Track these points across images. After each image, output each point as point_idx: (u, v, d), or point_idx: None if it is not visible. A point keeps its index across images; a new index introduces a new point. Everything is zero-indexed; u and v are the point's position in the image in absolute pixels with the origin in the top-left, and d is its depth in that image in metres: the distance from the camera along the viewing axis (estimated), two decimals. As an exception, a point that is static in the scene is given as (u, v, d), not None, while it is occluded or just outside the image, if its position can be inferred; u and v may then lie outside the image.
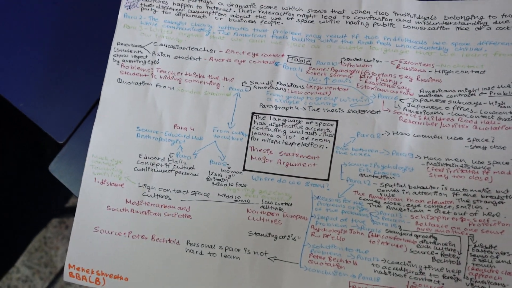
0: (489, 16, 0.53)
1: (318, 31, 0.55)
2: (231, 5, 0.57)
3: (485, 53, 0.53)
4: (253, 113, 0.54)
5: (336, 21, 0.56)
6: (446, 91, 0.52)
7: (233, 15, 0.57)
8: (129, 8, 0.58)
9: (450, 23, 0.54)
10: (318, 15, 0.56)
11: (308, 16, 0.56)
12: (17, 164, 0.83)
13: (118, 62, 0.56)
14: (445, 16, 0.54)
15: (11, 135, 0.84)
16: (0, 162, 0.80)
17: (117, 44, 0.57)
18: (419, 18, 0.54)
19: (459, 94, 0.52)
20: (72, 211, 0.51)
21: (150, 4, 0.58)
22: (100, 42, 0.59)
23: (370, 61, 0.54)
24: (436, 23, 0.54)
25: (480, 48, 0.53)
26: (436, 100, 0.52)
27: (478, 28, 0.53)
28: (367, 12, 0.55)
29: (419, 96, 0.52)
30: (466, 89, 0.52)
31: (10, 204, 0.82)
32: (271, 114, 0.54)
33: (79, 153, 0.56)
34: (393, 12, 0.55)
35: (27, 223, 0.90)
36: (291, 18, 0.56)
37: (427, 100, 0.52)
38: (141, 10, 0.58)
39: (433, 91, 0.52)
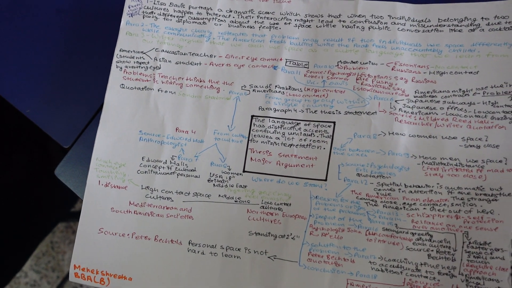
0: (482, 18, 0.54)
1: (315, 35, 0.57)
2: (230, 11, 0.59)
3: (478, 54, 0.54)
4: (252, 116, 0.56)
5: (333, 25, 0.57)
6: (440, 91, 0.53)
7: (232, 21, 0.59)
8: (131, 16, 0.60)
9: (444, 26, 0.55)
10: (315, 20, 0.58)
11: (305, 21, 0.58)
12: (24, 169, 0.85)
13: (121, 68, 0.58)
14: (439, 19, 0.55)
15: (18, 141, 0.86)
16: (8, 168, 0.82)
17: (120, 50, 0.58)
18: (413, 21, 0.56)
19: (453, 95, 0.53)
20: (78, 216, 0.53)
21: (152, 12, 0.60)
22: (104, 49, 0.60)
23: (366, 63, 0.55)
24: (430, 26, 0.55)
25: (473, 49, 0.54)
26: (431, 100, 0.53)
27: (471, 30, 0.54)
28: (362, 16, 0.57)
29: (414, 97, 0.54)
30: (460, 89, 0.53)
31: (17, 209, 0.84)
32: (270, 117, 0.55)
33: (84, 157, 0.58)
34: (388, 15, 0.56)
35: (34, 228, 0.92)
36: (289, 23, 0.58)
37: (422, 101, 0.53)
38: (143, 17, 0.60)
39: (428, 92, 0.54)
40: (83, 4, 0.64)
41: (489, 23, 0.54)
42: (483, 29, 0.54)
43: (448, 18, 0.55)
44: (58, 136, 0.59)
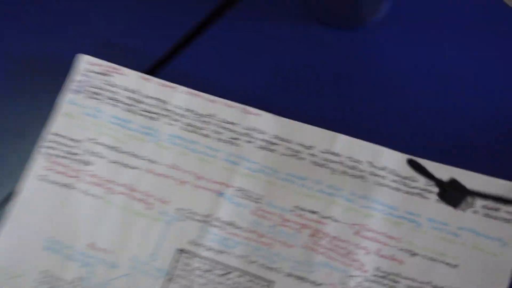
0: (480, 194, 0.43)
1: (278, 165, 0.47)
2: (188, 110, 0.49)
3: (463, 242, 0.43)
4: (180, 250, 0.46)
5: (300, 158, 0.47)
6: (406, 278, 0.43)
7: (188, 124, 0.49)
8: (75, 93, 0.50)
9: (432, 192, 0.44)
10: (281, 145, 0.48)
11: (270, 143, 0.48)
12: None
13: (46, 155, 0.49)
14: (427, 182, 0.44)
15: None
16: None
17: (50, 134, 0.49)
18: (397, 176, 0.45)
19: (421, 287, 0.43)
20: None
21: (98, 93, 0.50)
22: (30, 124, 0.51)
23: (327, 218, 0.45)
24: (415, 187, 0.45)
25: (459, 234, 0.44)
26: (391, 286, 0.43)
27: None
28: (338, 155, 0.46)
29: (373, 276, 0.44)
30: (430, 283, 0.42)
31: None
32: (200, 256, 0.46)
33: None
34: (368, 162, 0.46)
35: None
36: (251, 142, 0.48)
37: (381, 283, 0.43)
38: (87, 98, 0.50)
39: (391, 274, 0.43)
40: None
41: (486, 205, 0.43)
42: (477, 211, 0.43)
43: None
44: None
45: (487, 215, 0.43)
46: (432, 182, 0.45)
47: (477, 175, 0.44)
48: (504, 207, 0.43)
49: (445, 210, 0.44)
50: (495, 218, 0.43)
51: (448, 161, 0.45)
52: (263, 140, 0.48)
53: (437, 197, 0.45)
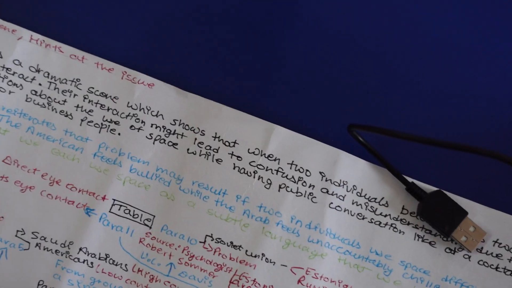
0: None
1: (181, 167, 0.33)
2: (38, 70, 0.30)
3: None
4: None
5: (218, 159, 0.31)
6: None
7: (35, 92, 0.31)
8: None
9: (409, 224, 0.31)
10: (188, 137, 0.32)
11: (170, 133, 0.32)
12: None
13: None
14: (403, 208, 0.30)
15: None
16: None
17: None
18: (360, 196, 0.32)
19: None
20: None
21: None
22: None
23: (256, 256, 0.32)
24: (385, 215, 0.32)
25: (443, 286, 0.30)
26: None
27: (451, 251, 0.30)
28: (274, 159, 0.31)
29: None
30: None
31: None
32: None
33: None
34: (320, 172, 0.31)
35: None
36: (138, 129, 0.30)
37: None
38: None
39: None
40: None
41: (487, 250, 0.29)
42: (468, 257, 0.28)
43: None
44: None
45: (483, 264, 0.29)
46: (409, 211, 0.30)
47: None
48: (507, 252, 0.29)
49: (427, 251, 0.30)
50: (497, 268, 0.29)
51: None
52: (158, 126, 0.30)
53: (416, 232, 0.30)
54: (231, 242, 0.31)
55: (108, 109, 0.32)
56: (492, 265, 0.30)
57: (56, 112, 0.31)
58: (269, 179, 0.31)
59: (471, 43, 0.32)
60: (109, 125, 0.31)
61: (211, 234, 0.31)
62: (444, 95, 0.32)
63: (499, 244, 0.30)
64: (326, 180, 0.31)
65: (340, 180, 0.31)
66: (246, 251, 0.30)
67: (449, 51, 0.32)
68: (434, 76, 0.32)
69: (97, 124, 0.31)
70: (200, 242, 0.31)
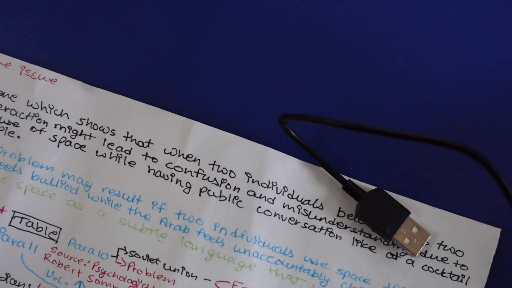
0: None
1: (89, 173, 0.29)
2: None
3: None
4: None
5: (131, 161, 0.27)
6: None
7: None
8: None
9: (347, 227, 0.29)
10: (97, 137, 0.29)
11: (76, 133, 0.29)
12: None
13: None
14: (339, 210, 0.27)
15: None
16: None
17: None
18: (292, 198, 0.29)
19: None
20: None
21: None
22: None
23: (174, 271, 0.28)
24: (320, 218, 0.29)
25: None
26: None
27: (394, 256, 0.27)
28: (194, 159, 0.28)
29: None
30: None
31: None
32: None
33: None
34: (246, 173, 0.28)
35: None
36: (40, 130, 0.27)
37: None
38: None
39: None
40: None
41: (432, 254, 0.26)
42: (412, 262, 0.26)
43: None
44: None
45: (428, 269, 0.26)
46: (346, 213, 0.27)
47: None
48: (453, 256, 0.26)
49: (367, 257, 0.27)
50: (441, 273, 0.26)
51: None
52: (63, 127, 0.28)
53: (354, 236, 0.27)
54: (147, 255, 0.27)
55: (5, 109, 0.28)
56: (437, 270, 0.27)
57: None
58: (188, 182, 0.28)
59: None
60: (6, 127, 0.28)
61: (124, 247, 0.27)
62: (380, 83, 0.29)
63: (444, 246, 0.27)
64: (253, 182, 0.28)
65: (269, 181, 0.28)
66: (164, 264, 0.27)
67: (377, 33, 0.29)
68: (366, 64, 0.29)
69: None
70: (112, 256, 0.27)
